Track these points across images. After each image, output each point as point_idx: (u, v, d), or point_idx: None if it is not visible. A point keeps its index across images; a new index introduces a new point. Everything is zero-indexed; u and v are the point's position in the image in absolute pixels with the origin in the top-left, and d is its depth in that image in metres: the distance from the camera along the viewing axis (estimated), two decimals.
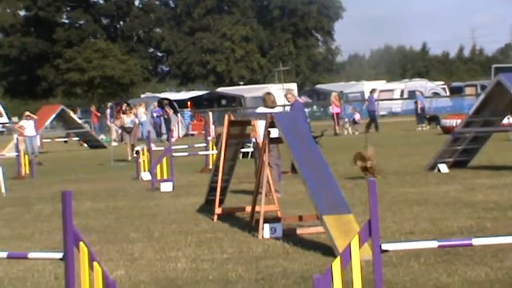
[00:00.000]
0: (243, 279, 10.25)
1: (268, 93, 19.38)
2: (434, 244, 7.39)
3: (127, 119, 34.72)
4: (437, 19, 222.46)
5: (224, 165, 15.59)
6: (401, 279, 9.72)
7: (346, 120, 50.87)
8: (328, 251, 11.29)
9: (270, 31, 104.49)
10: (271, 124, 13.61)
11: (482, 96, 23.62)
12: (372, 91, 54.65)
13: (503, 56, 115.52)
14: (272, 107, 18.52)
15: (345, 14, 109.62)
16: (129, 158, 32.49)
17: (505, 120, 27.70)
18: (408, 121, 53.93)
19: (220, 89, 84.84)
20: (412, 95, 77.42)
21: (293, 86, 72.11)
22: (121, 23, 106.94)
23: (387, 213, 14.63)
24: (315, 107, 77.28)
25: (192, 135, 57.92)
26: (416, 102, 50.99)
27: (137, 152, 31.05)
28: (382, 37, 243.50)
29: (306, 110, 68.35)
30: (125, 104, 45.32)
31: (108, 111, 57.09)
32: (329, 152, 27.21)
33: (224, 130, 15.37)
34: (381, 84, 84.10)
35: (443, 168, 22.22)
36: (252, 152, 25.87)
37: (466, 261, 10.42)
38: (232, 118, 15.55)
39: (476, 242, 7.60)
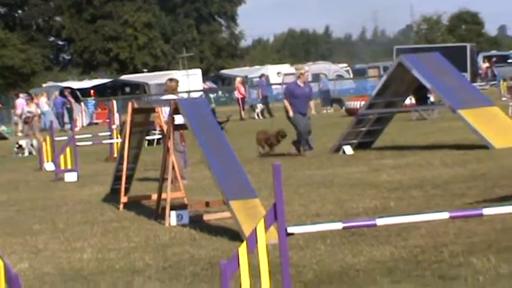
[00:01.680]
0: (150, 268, 10.20)
1: (170, 80, 19.35)
2: (339, 226, 7.44)
3: (26, 109, 34.23)
4: (340, 2, 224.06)
5: (129, 153, 15.50)
6: (308, 261, 9.79)
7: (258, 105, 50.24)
8: (235, 236, 11.31)
9: (172, 17, 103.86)
10: (175, 111, 13.59)
11: (384, 78, 23.90)
12: (262, 76, 54.66)
13: (404, 38, 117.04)
14: (174, 94, 18.52)
15: None
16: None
17: (407, 101, 28.13)
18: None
19: (124, 77, 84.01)
20: (316, 77, 77.80)
21: (197, 72, 72.02)
22: (19, 11, 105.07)
23: (294, 196, 14.72)
24: (220, 93, 77.23)
25: (96, 124, 57.33)
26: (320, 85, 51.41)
27: (19, 146, 30.72)
28: (286, 21, 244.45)
29: (211, 95, 68.58)
30: (25, 94, 44.63)
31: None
32: (235, 137, 27.29)
33: (128, 118, 15.29)
34: (285, 68, 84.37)
35: (348, 150, 22.43)
36: (159, 139, 25.83)
37: (371, 241, 10.54)
38: (136, 106, 15.47)
39: (381, 222, 7.69)
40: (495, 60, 71.00)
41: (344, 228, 7.54)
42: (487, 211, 7.58)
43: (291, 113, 21.69)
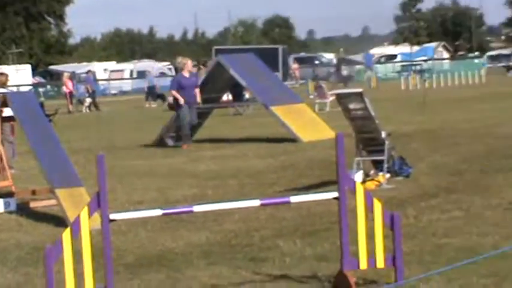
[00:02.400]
0: None
1: (0, 74, 18.90)
2: (159, 212, 7.43)
3: None
4: (163, 4, 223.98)
5: None
6: (129, 245, 9.74)
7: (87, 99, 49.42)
8: (61, 222, 11.12)
9: (2, 14, 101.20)
10: (3, 103, 13.31)
11: (204, 76, 24.02)
12: (88, 72, 54.06)
13: (222, 39, 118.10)
14: (4, 87, 18.08)
15: None
16: None
17: (224, 97, 28.33)
18: (138, 99, 53.96)
19: None
20: (141, 74, 77.45)
21: (27, 67, 70.51)
22: None
23: (118, 185, 14.57)
24: (48, 87, 75.80)
25: None
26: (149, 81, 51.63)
27: None
28: (112, 21, 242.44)
29: (40, 89, 67.28)
30: None
31: None
32: (63, 129, 26.82)
33: None
34: (111, 65, 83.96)
35: (170, 142, 22.40)
36: None
37: (189, 227, 10.58)
38: None
39: (197, 208, 7.72)
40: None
41: (163, 214, 7.53)
42: (294, 199, 7.71)
43: (181, 101, 21.17)
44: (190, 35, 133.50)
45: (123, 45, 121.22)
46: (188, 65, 22.53)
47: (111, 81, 77.29)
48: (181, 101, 21.36)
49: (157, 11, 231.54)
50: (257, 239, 9.64)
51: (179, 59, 23.19)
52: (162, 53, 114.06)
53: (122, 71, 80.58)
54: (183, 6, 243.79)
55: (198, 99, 21.77)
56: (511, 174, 12.98)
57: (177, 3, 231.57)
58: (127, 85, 76.81)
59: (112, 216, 6.96)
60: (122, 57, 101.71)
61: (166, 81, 71.09)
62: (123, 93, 73.53)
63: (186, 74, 22.18)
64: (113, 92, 74.37)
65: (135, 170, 17.25)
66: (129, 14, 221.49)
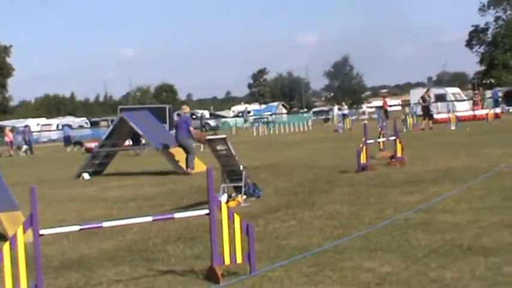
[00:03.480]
0: None
1: None
2: (77, 228, 7.23)
3: None
4: (81, 75, 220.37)
5: None
6: (55, 253, 9.42)
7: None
8: (2, 237, 10.67)
9: None
10: None
11: (111, 127, 23.74)
12: (26, 126, 52.92)
13: (125, 100, 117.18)
14: None
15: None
16: None
17: (126, 142, 27.93)
18: (62, 145, 52.65)
19: None
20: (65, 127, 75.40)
21: None
22: None
23: (46, 208, 14.09)
24: None
25: None
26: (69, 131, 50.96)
27: None
28: (43, 88, 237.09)
29: None
30: None
31: None
32: (6, 167, 25.85)
33: None
34: (42, 120, 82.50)
35: (86, 176, 21.95)
36: None
37: (100, 238, 10.33)
38: None
39: (106, 224, 7.55)
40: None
41: (81, 229, 7.32)
42: (177, 215, 7.65)
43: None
44: (101, 98, 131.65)
45: (51, 106, 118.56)
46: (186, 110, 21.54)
47: (42, 132, 75.61)
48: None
49: (77, 81, 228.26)
50: (151, 245, 9.49)
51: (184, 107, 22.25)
52: (81, 111, 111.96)
53: (50, 124, 79.15)
54: (96, 77, 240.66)
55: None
56: (330, 193, 13.23)
57: (91, 74, 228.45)
58: (54, 135, 75.22)
59: (42, 231, 6.73)
60: (50, 115, 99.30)
61: (84, 132, 70.40)
62: (52, 141, 71.87)
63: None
64: (44, 140, 72.69)
65: (59, 197, 16.75)
66: (56, 83, 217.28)
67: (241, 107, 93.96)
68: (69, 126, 58.10)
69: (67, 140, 49.65)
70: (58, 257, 9.19)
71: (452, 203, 10.69)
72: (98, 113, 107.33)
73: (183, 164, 20.91)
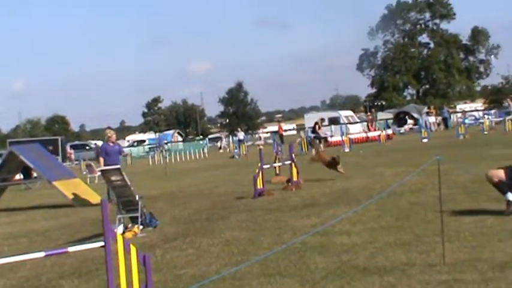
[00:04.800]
0: None
1: None
2: None
3: None
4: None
5: None
6: None
7: None
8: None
9: None
10: None
11: (0, 161, 23.05)
12: None
13: (15, 133, 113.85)
14: None
15: None
16: None
17: (17, 177, 27.12)
18: None
19: None
20: None
21: None
22: None
23: None
24: None
25: None
26: None
27: None
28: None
29: None
30: None
31: None
32: None
33: None
34: None
35: None
36: None
37: None
38: None
39: None
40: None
41: None
42: (72, 249, 7.47)
43: (102, 167, 16.87)
44: None
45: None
46: (112, 137, 19.10)
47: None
48: (102, 166, 17.66)
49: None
50: (44, 281, 9.21)
51: (107, 131, 20.42)
52: None
53: None
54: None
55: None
56: (228, 220, 13.27)
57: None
58: None
59: None
60: None
61: None
62: None
63: (110, 143, 19.00)
64: None
65: None
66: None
67: (136, 136, 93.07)
68: None
69: None
70: None
71: (348, 224, 10.96)
72: None
73: (76, 197, 20.44)
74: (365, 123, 63.11)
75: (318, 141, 38.15)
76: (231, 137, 61.51)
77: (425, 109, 62.19)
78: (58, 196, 21.44)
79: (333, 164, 19.99)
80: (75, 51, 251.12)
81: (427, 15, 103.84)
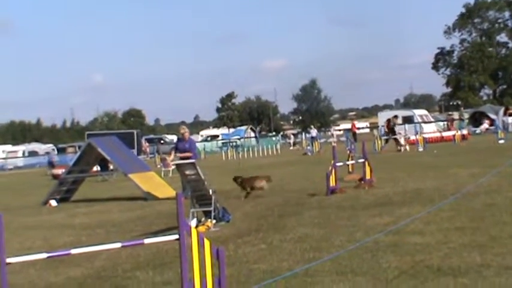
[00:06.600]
0: None
1: None
2: (44, 255, 7.13)
3: None
4: (48, 100, 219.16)
5: None
6: (22, 281, 9.28)
7: None
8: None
9: None
10: None
11: (79, 153, 23.57)
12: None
13: (92, 126, 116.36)
14: None
15: None
16: None
17: (94, 168, 27.75)
18: (29, 172, 52.07)
19: None
20: (31, 153, 74.82)
21: None
22: None
23: (13, 236, 13.90)
24: None
25: None
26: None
27: None
28: (8, 114, 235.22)
29: None
30: None
31: None
32: None
33: None
34: (8, 147, 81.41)
35: (53, 202, 21.72)
36: None
37: (69, 265, 10.20)
38: None
39: (74, 251, 7.44)
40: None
41: (48, 257, 7.22)
42: (147, 241, 7.57)
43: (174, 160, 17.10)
44: (68, 124, 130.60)
45: (17, 132, 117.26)
46: (185, 135, 18.66)
47: (8, 159, 74.60)
48: (172, 157, 18.08)
49: (44, 107, 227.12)
50: (120, 271, 9.40)
51: (180, 127, 20.20)
52: (48, 137, 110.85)
53: (16, 151, 78.01)
54: (63, 102, 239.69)
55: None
56: (300, 217, 13.25)
57: (58, 100, 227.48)
58: (21, 162, 74.27)
59: (8, 260, 6.62)
60: (15, 142, 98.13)
61: (51, 158, 69.77)
62: (18, 168, 71.00)
63: (185, 139, 18.56)
64: (10, 167, 71.77)
65: (26, 225, 16.53)
66: (22, 109, 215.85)
67: (210, 131, 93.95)
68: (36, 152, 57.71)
69: (51, 164, 49.22)
70: (25, 286, 9.04)
71: (421, 224, 10.77)
72: (64, 139, 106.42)
73: (150, 190, 20.77)
74: (440, 123, 61.87)
75: (385, 142, 37.35)
76: (303, 134, 61.35)
77: (503, 109, 60.52)
78: (133, 188, 21.86)
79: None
80: (152, 47, 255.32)
81: (507, 14, 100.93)
